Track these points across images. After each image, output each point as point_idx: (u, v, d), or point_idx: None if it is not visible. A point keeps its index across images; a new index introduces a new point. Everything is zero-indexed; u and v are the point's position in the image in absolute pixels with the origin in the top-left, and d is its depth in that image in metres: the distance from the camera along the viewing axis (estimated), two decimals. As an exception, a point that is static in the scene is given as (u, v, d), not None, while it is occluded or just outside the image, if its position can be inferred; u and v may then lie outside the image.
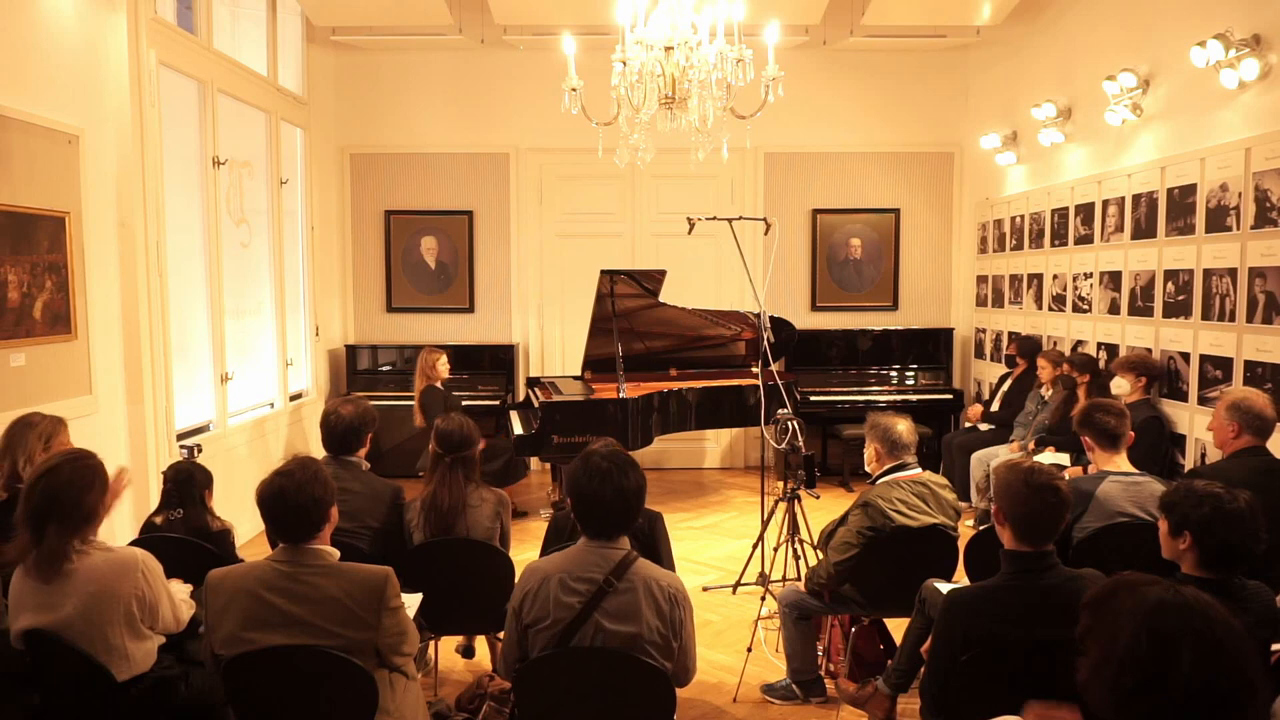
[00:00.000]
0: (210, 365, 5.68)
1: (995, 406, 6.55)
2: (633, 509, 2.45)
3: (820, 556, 3.67)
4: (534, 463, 7.81)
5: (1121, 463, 3.42)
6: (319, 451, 3.63)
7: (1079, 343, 6.13)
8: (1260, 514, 2.39)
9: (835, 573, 3.46)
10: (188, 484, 3.48)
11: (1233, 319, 4.62)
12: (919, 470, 3.57)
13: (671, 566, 3.34)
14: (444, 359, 6.54)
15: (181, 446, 5.05)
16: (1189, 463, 4.90)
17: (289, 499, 2.42)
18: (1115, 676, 1.39)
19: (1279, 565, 2.78)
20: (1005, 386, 6.54)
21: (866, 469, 3.69)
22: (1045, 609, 2.35)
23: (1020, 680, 2.27)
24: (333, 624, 2.40)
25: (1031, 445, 5.68)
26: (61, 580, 2.51)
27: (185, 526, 3.37)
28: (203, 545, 3.24)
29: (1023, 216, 6.96)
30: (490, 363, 7.67)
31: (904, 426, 3.56)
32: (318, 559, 2.46)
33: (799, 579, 4.34)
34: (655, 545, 3.33)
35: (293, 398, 6.88)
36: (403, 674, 2.61)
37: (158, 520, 3.43)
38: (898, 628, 3.60)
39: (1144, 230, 5.39)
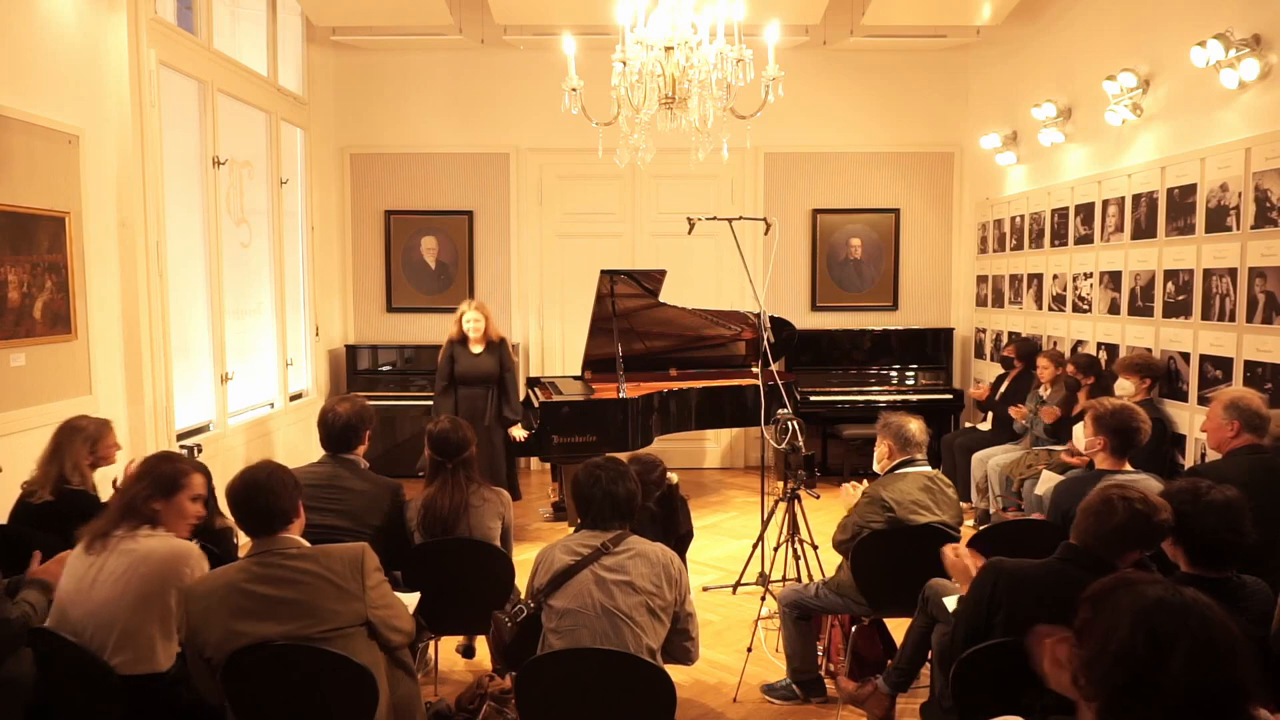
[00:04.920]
0: (210, 365, 5.68)
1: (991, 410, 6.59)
2: (621, 509, 2.81)
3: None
4: (534, 462, 7.83)
5: (1125, 468, 3.42)
6: (318, 452, 3.64)
7: (1079, 343, 6.13)
8: (1244, 508, 2.39)
9: (838, 542, 3.60)
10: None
11: (1233, 319, 4.62)
12: (928, 468, 3.58)
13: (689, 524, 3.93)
14: (469, 315, 5.80)
15: (181, 446, 5.05)
16: (1189, 463, 4.90)
17: (260, 486, 2.53)
18: (1107, 672, 1.39)
19: (1278, 562, 2.79)
20: (1002, 388, 6.55)
21: (875, 468, 3.70)
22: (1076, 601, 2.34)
23: (1027, 669, 2.26)
24: (320, 601, 2.42)
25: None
26: (120, 556, 2.59)
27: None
28: (207, 545, 3.22)
29: (1023, 216, 6.96)
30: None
31: (916, 426, 3.62)
32: (291, 545, 2.52)
33: (799, 579, 4.35)
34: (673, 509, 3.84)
35: (293, 398, 6.87)
36: (403, 668, 2.62)
37: None
38: (898, 628, 3.61)
39: (1144, 230, 5.39)
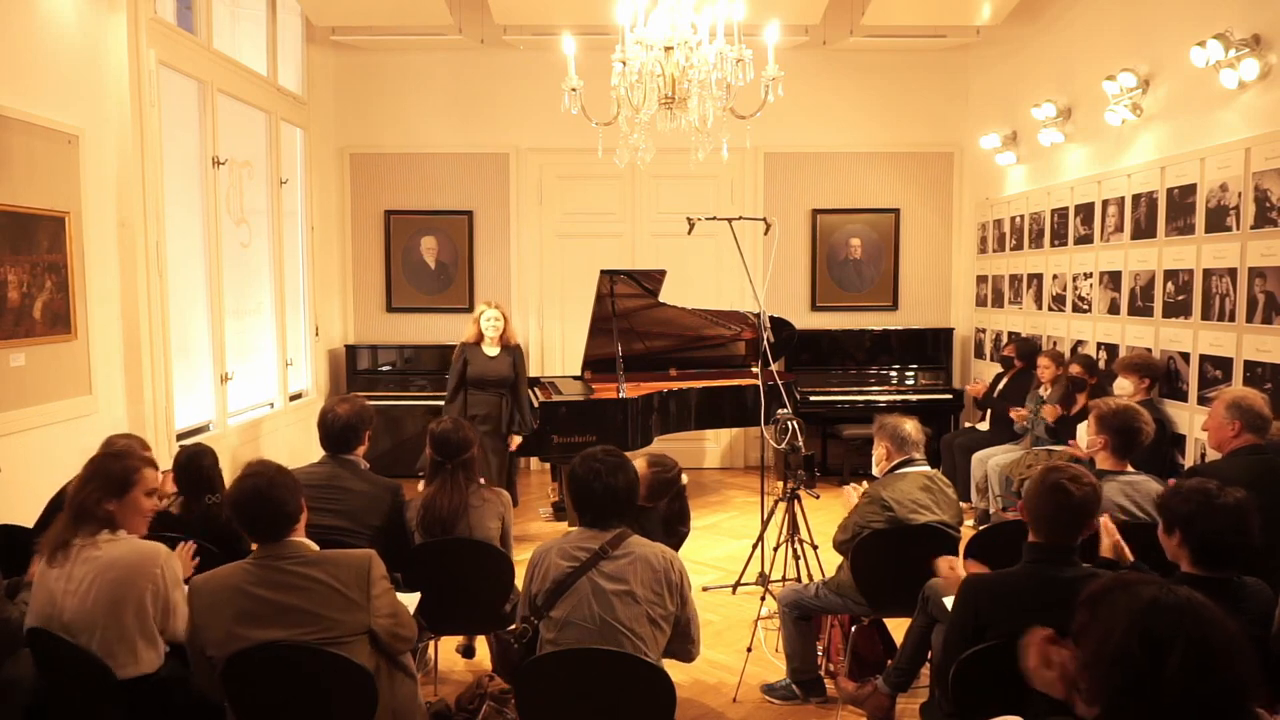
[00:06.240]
0: (210, 365, 5.68)
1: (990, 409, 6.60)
2: (621, 503, 2.71)
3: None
4: (534, 463, 7.83)
5: (1127, 469, 3.42)
6: (318, 452, 3.64)
7: (1079, 343, 6.13)
8: (1253, 511, 2.39)
9: (838, 542, 3.61)
10: (215, 466, 3.48)
11: (1232, 319, 4.62)
12: (926, 467, 3.59)
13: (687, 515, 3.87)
14: (488, 314, 5.66)
15: (181, 447, 5.05)
16: (1189, 463, 4.90)
17: (263, 496, 2.47)
18: (1105, 674, 1.40)
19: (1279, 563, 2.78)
20: (1001, 386, 6.55)
21: (874, 471, 3.70)
22: (1059, 601, 2.35)
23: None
24: (325, 609, 2.41)
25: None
26: (84, 565, 2.54)
27: (220, 511, 3.26)
28: (208, 544, 3.18)
29: (1023, 216, 6.96)
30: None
31: (911, 426, 3.63)
32: (297, 550, 2.49)
33: (799, 579, 4.35)
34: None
35: (293, 398, 6.87)
36: (403, 670, 2.62)
37: (174, 511, 3.39)
38: (898, 628, 3.61)
39: (1144, 230, 5.39)
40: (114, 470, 2.67)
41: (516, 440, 5.73)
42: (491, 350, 5.67)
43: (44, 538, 2.63)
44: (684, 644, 2.77)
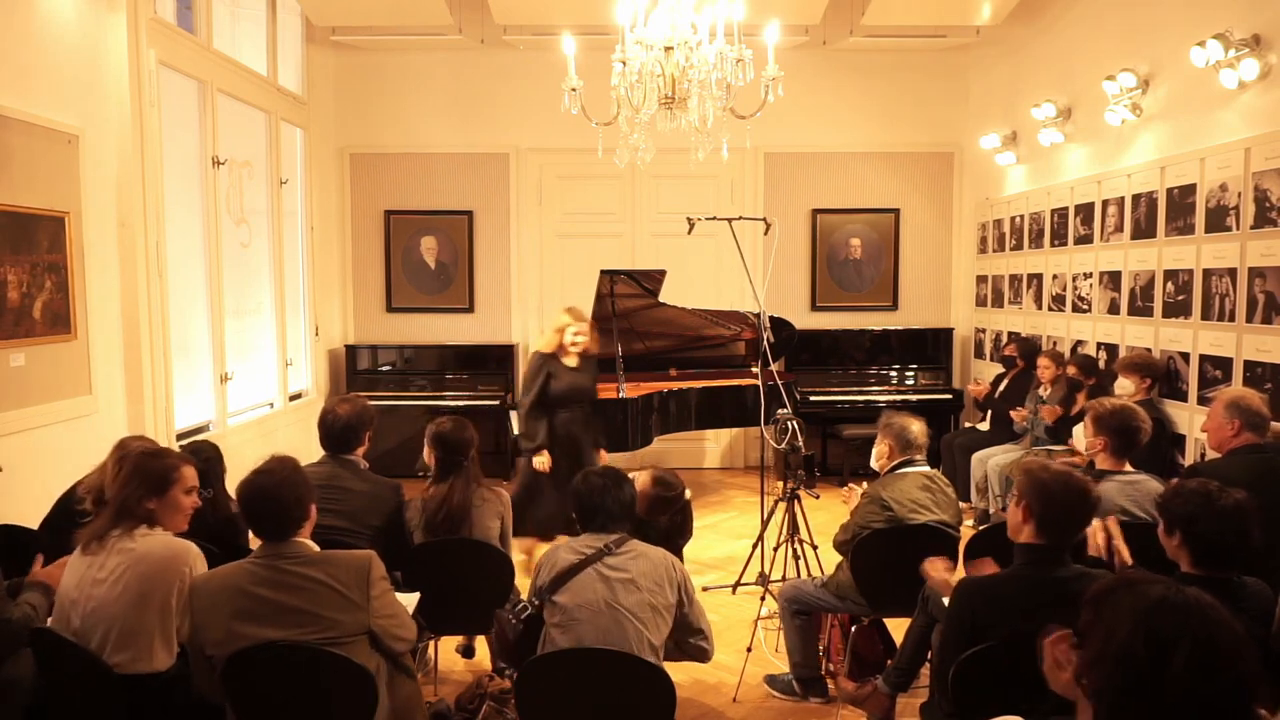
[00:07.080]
0: (210, 365, 5.68)
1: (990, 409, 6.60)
2: (625, 512, 2.91)
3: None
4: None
5: (1126, 468, 3.42)
6: (318, 452, 3.64)
7: (1079, 343, 6.13)
8: (1253, 512, 2.40)
9: (839, 543, 3.61)
10: (216, 463, 3.48)
11: (1232, 319, 4.62)
12: (926, 467, 3.59)
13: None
14: (575, 328, 5.08)
15: (181, 447, 5.04)
16: (1189, 463, 4.89)
17: (270, 496, 2.49)
18: (1109, 673, 1.39)
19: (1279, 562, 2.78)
20: (1002, 386, 6.55)
21: (874, 466, 3.71)
22: (1055, 602, 2.35)
23: (1026, 670, 2.27)
24: (324, 609, 2.42)
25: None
26: (118, 555, 2.58)
27: (213, 509, 3.29)
28: (208, 545, 3.18)
29: (1022, 216, 6.96)
30: (490, 363, 7.67)
31: (918, 428, 3.63)
32: (299, 550, 2.50)
33: (799, 579, 4.35)
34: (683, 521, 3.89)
35: (293, 398, 6.87)
36: (402, 670, 2.62)
37: None
38: (898, 628, 3.61)
39: (1144, 230, 5.39)
40: (154, 469, 2.72)
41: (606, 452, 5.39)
42: (572, 362, 5.19)
43: (83, 530, 2.68)
44: (697, 640, 2.90)
